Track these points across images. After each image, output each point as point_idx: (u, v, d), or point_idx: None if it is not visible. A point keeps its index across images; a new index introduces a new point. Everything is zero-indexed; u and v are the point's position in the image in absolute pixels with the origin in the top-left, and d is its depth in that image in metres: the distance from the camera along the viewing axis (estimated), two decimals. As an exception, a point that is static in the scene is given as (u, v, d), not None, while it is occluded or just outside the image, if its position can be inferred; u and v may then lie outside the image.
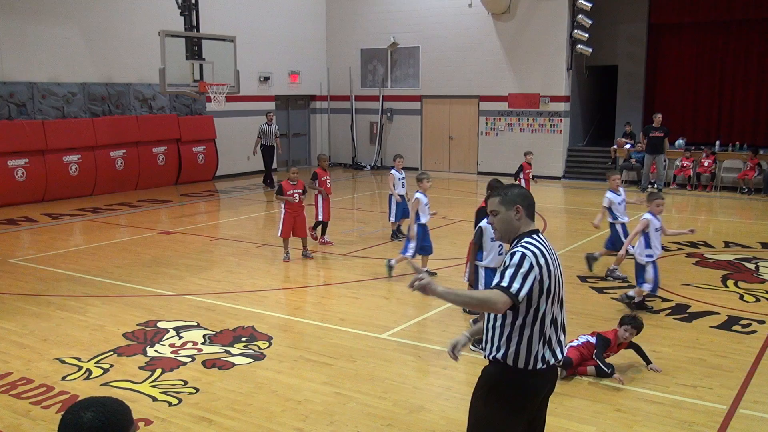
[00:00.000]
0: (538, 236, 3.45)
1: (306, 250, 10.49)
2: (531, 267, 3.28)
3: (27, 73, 15.55)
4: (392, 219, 11.79)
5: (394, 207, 11.62)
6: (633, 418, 5.31)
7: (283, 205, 10.29)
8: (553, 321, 3.41)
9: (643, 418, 5.31)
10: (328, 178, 11.36)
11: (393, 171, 11.66)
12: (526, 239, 3.41)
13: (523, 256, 3.30)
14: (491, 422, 3.45)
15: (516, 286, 3.24)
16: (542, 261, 3.32)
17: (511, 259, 3.34)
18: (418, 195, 9.20)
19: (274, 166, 18.96)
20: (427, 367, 6.41)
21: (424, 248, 9.19)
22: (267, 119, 18.08)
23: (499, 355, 3.40)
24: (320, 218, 11.31)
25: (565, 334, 3.51)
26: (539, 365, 3.38)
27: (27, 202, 15.24)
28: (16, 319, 7.67)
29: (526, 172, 13.78)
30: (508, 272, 3.28)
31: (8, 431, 5.15)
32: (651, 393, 5.75)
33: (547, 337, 3.39)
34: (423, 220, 9.17)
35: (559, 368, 4.04)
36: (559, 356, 3.47)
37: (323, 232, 11.48)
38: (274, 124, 18.16)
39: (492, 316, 3.43)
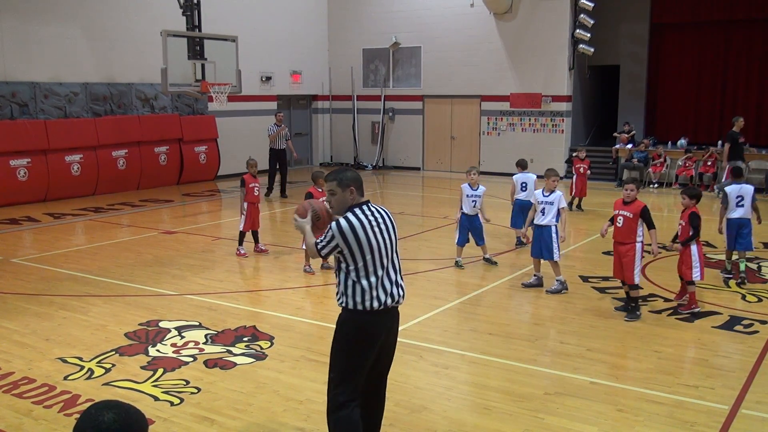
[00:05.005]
0: (365, 207, 4.25)
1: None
2: (332, 237, 4.17)
3: (29, 73, 15.57)
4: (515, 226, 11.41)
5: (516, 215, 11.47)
6: (635, 419, 5.31)
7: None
8: (385, 271, 4.19)
9: (645, 419, 5.30)
10: (256, 185, 10.68)
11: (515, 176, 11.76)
12: (349, 212, 4.22)
13: (330, 227, 4.19)
14: (336, 357, 4.31)
15: (321, 245, 4.25)
16: (348, 230, 4.12)
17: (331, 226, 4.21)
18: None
19: (289, 175, 17.43)
20: (429, 367, 6.39)
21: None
22: (276, 120, 16.51)
23: (342, 302, 4.24)
24: (241, 228, 10.61)
25: (396, 281, 4.26)
26: (375, 305, 4.16)
27: (29, 202, 15.26)
28: (18, 318, 7.69)
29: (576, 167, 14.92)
30: (326, 234, 4.23)
31: (10, 431, 5.15)
32: (653, 393, 5.74)
33: (381, 284, 4.18)
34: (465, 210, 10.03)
35: None
36: (390, 300, 4.20)
37: (256, 240, 10.84)
38: (284, 125, 16.56)
39: (335, 269, 4.34)
